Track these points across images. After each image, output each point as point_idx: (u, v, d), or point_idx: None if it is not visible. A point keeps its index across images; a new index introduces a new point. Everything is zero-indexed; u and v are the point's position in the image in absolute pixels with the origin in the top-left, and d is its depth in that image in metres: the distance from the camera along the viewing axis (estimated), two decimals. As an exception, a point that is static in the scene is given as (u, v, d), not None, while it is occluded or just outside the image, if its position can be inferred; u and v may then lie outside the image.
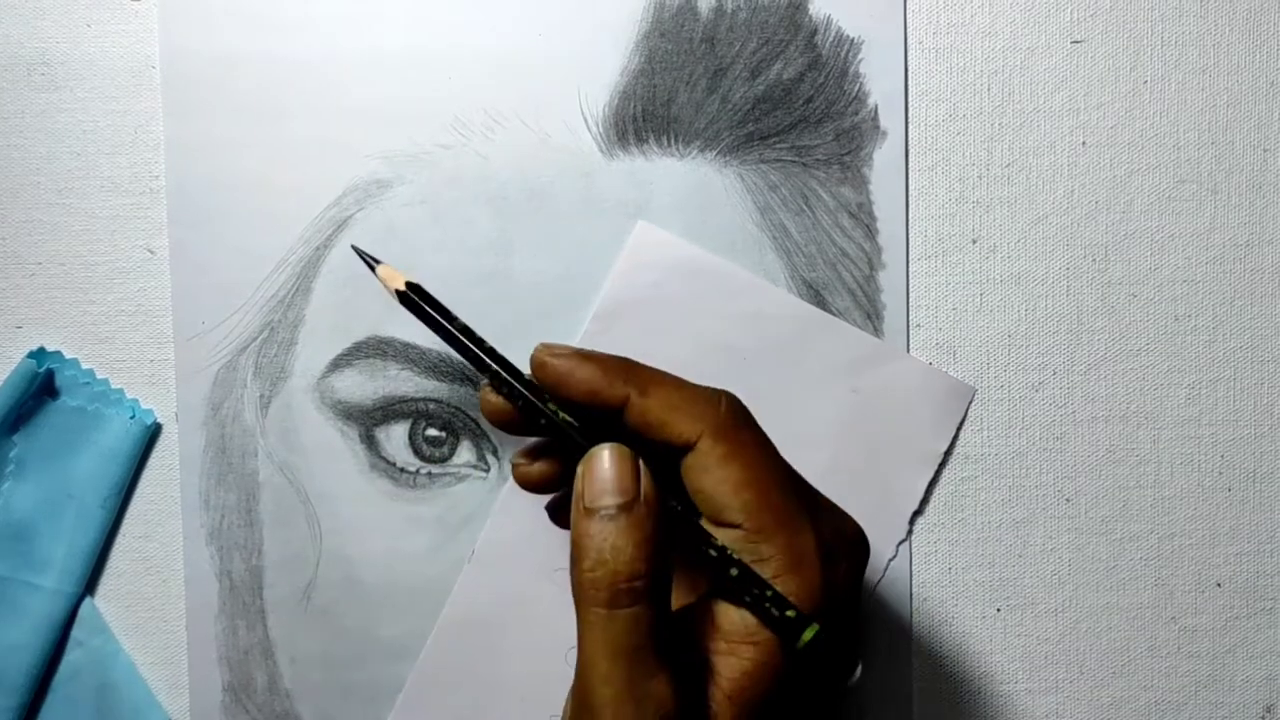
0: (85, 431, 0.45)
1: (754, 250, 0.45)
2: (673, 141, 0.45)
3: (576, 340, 0.45)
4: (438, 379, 0.45)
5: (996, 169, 0.46)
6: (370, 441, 0.45)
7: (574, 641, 0.31)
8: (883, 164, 0.45)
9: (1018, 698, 0.47)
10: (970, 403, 0.46)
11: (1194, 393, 0.46)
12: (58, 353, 0.45)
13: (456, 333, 0.35)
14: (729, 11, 0.45)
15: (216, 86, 0.45)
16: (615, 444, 0.33)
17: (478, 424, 0.45)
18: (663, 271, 0.45)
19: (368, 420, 0.45)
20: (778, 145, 0.45)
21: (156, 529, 0.45)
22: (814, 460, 0.45)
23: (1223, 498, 0.47)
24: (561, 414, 0.34)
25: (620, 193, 0.45)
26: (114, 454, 0.45)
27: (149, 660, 0.46)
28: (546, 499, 0.38)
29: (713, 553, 0.32)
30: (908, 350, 0.46)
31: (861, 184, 0.45)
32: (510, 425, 0.35)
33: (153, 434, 0.45)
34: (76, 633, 0.45)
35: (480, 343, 0.35)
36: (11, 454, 0.45)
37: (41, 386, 0.45)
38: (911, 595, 0.46)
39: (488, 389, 0.35)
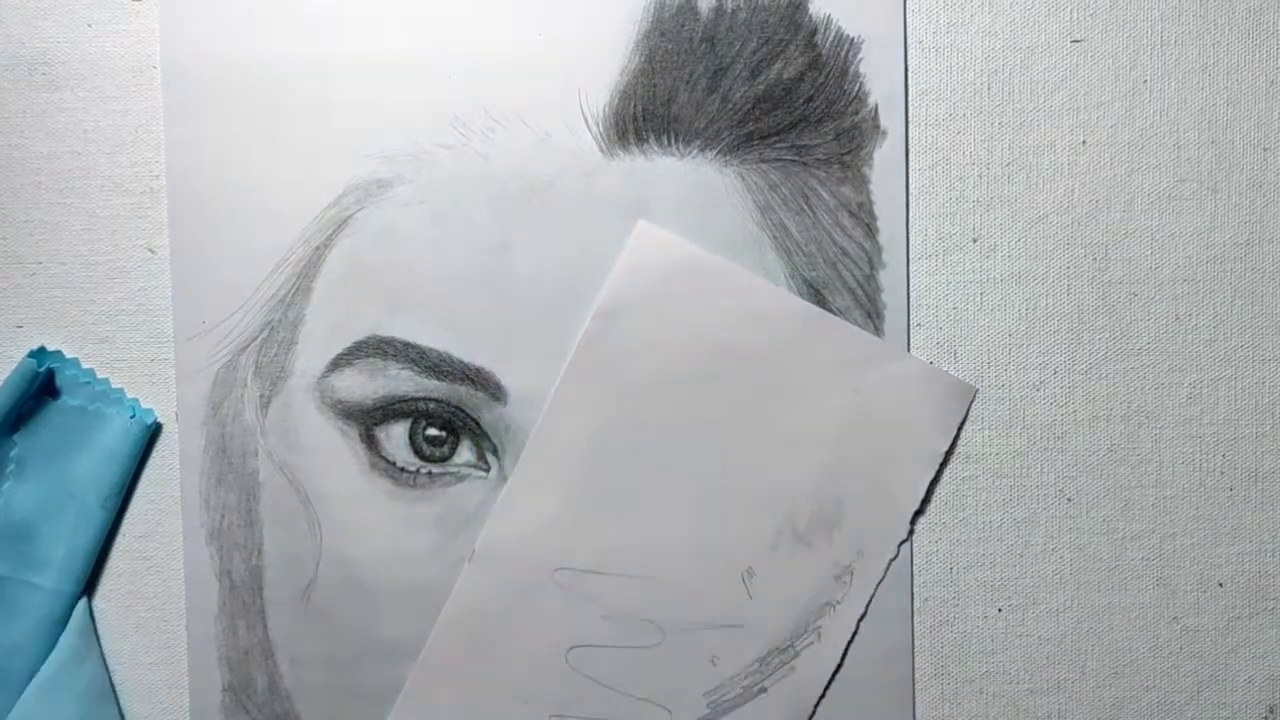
0: (85, 431, 0.45)
1: (754, 249, 0.45)
2: (673, 141, 0.45)
3: (576, 340, 0.45)
4: (438, 378, 0.45)
5: (996, 168, 0.46)
6: (370, 441, 0.45)
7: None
8: (883, 163, 0.45)
9: (1019, 698, 0.46)
10: (971, 402, 0.46)
11: (1195, 392, 0.46)
12: (58, 352, 0.45)
13: None
14: (729, 11, 0.45)
15: (217, 86, 0.45)
16: None
17: (478, 424, 0.45)
18: (663, 271, 0.45)
19: (368, 420, 0.45)
20: (778, 145, 0.45)
21: (156, 529, 0.45)
22: (814, 460, 0.45)
23: (1224, 497, 0.46)
24: None
25: (620, 192, 0.45)
26: (114, 454, 0.45)
27: (149, 660, 0.46)
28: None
29: None
30: (908, 350, 0.46)
31: (862, 183, 0.45)
32: None
33: (153, 434, 0.45)
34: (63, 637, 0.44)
35: None
36: (12, 453, 0.45)
37: (42, 386, 0.45)
38: (913, 595, 0.46)
39: None
